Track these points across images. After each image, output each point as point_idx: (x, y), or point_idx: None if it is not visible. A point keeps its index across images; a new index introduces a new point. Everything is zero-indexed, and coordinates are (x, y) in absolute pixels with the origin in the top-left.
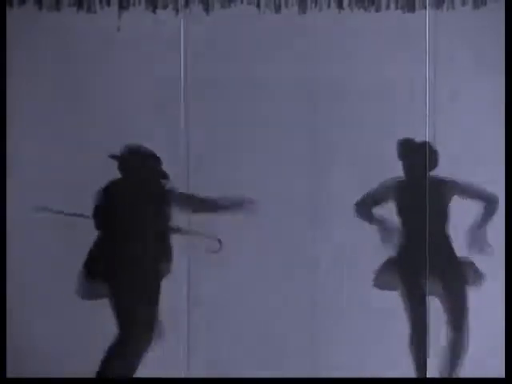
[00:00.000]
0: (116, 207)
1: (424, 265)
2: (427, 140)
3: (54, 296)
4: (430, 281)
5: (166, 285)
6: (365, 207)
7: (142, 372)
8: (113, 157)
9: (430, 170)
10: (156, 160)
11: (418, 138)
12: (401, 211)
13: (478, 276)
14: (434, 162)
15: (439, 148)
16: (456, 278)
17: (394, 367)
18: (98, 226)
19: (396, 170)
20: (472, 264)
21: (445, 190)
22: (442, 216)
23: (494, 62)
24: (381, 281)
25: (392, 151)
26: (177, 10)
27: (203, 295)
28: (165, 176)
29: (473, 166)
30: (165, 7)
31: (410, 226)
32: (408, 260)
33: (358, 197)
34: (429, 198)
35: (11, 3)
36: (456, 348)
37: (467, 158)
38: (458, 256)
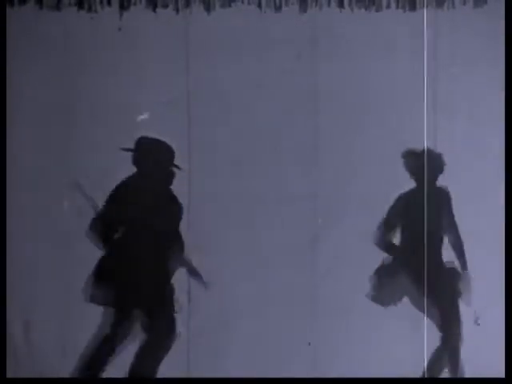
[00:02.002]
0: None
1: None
2: (425, 140)
3: (55, 296)
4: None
5: None
6: (381, 236)
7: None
8: (126, 150)
9: (437, 176)
10: (170, 151)
11: (418, 138)
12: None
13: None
14: (440, 167)
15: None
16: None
17: (394, 367)
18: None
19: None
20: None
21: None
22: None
23: (494, 60)
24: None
25: (390, 147)
26: (177, 10)
27: (204, 295)
28: (177, 167)
29: (472, 165)
30: (165, 7)
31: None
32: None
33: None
34: (430, 205)
35: (12, 3)
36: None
37: (466, 157)
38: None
